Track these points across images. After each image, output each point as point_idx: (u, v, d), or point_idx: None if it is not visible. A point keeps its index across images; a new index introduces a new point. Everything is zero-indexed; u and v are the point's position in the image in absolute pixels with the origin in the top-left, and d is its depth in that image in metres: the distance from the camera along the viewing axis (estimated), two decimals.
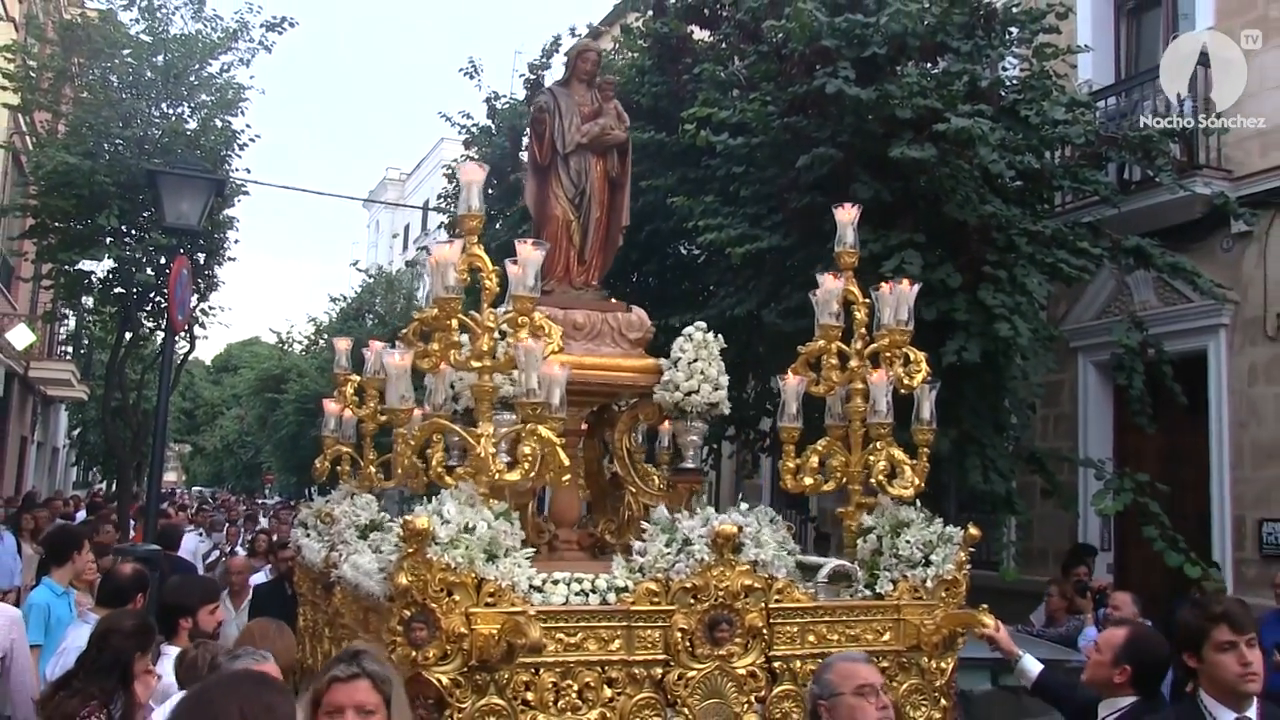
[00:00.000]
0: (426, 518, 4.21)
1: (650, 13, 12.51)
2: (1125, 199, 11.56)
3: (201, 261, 16.44)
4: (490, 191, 14.99)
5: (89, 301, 18.05)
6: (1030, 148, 10.36)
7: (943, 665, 5.14)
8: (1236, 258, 11.96)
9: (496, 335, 4.93)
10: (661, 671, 4.63)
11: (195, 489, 56.60)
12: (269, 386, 40.39)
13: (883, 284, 5.69)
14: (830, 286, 5.69)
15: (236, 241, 17.71)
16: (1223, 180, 11.91)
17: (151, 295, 16.08)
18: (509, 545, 4.40)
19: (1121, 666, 4.61)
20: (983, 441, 10.37)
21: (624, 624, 4.58)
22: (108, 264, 16.11)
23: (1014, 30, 11.19)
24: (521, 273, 4.74)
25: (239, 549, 14.93)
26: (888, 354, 5.63)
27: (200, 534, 17.98)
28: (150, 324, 17.59)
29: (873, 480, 5.47)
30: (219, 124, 15.93)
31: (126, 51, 15.44)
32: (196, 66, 15.58)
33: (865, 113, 9.94)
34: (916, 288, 5.73)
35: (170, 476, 60.67)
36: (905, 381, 5.48)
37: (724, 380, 6.51)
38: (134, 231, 15.72)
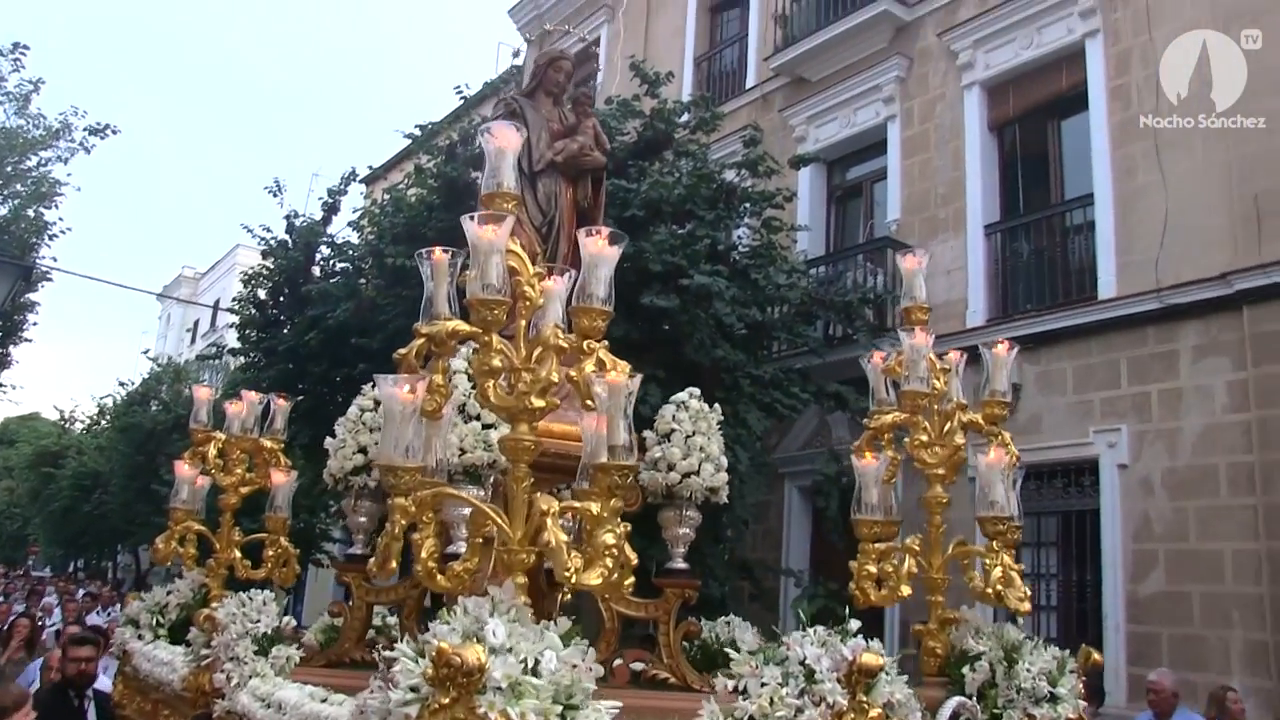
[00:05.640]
0: (476, 646, 2.44)
1: (442, 157, 12.74)
2: (829, 351, 11.91)
3: None
4: (282, 299, 14.66)
5: None
6: (757, 304, 10.79)
7: None
8: None
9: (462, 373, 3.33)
10: None
11: None
12: (45, 461, 37.36)
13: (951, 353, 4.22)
14: (918, 342, 4.08)
15: (35, 324, 16.12)
16: None
17: None
18: (586, 688, 2.61)
19: None
20: (704, 551, 10.60)
21: None
22: None
23: (748, 206, 11.73)
24: (589, 277, 3.03)
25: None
26: (962, 430, 4.08)
27: None
28: None
29: (989, 590, 3.97)
30: (31, 214, 14.54)
31: None
32: (15, 159, 14.22)
33: (622, 263, 10.34)
34: (1015, 352, 4.39)
35: None
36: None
37: (724, 461, 4.82)
38: None
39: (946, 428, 4.21)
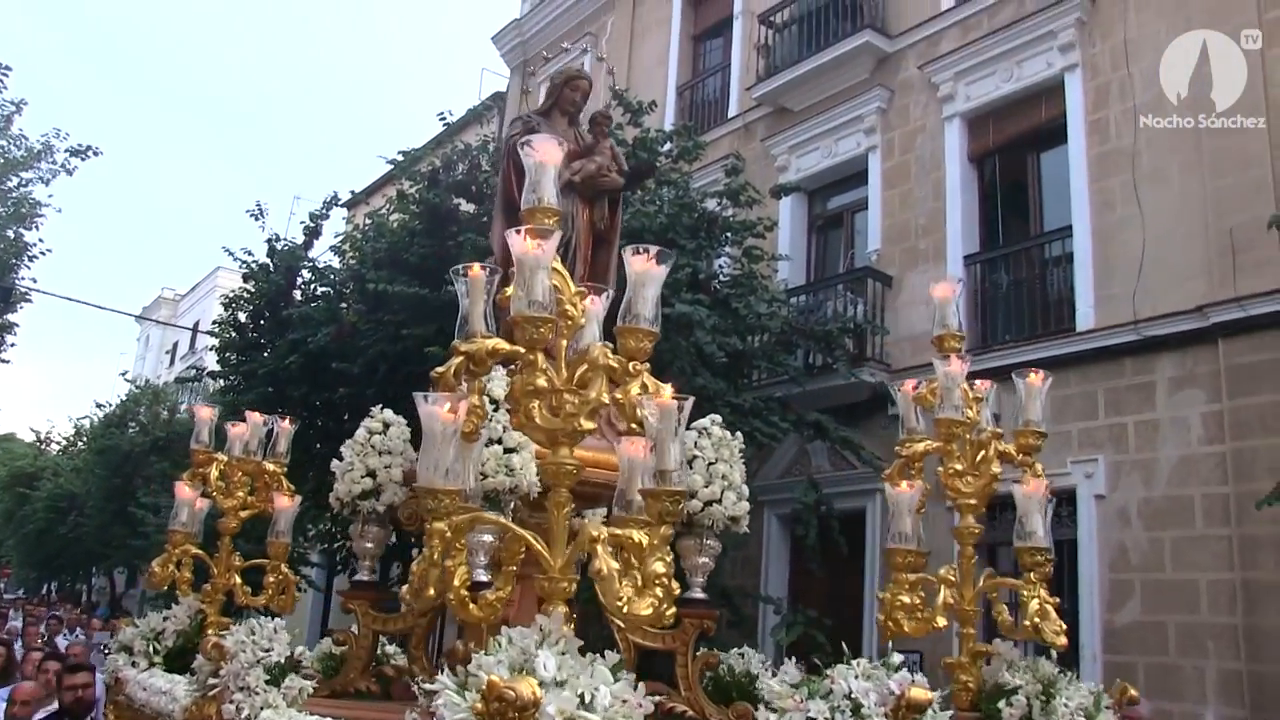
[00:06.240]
0: (529, 679, 2.30)
1: (425, 183, 12.81)
2: (809, 380, 11.89)
3: None
4: (262, 322, 14.60)
5: None
6: (737, 332, 10.76)
7: None
8: (892, 435, 12.40)
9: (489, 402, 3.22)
10: None
11: None
12: (20, 482, 36.80)
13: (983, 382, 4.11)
14: (953, 370, 3.98)
15: (13, 345, 15.99)
16: (884, 371, 12.27)
17: None
18: None
19: None
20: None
21: None
22: None
23: (729, 235, 11.74)
24: (635, 296, 2.85)
25: None
26: (1003, 459, 3.98)
27: None
28: None
29: (1026, 623, 3.89)
30: (10, 235, 14.43)
31: None
32: None
33: None
34: (1049, 381, 4.30)
35: None
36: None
37: (746, 490, 4.69)
38: None
39: (979, 457, 4.14)
